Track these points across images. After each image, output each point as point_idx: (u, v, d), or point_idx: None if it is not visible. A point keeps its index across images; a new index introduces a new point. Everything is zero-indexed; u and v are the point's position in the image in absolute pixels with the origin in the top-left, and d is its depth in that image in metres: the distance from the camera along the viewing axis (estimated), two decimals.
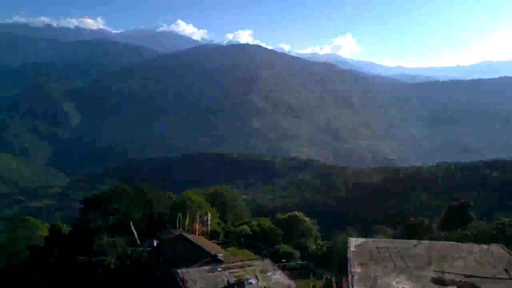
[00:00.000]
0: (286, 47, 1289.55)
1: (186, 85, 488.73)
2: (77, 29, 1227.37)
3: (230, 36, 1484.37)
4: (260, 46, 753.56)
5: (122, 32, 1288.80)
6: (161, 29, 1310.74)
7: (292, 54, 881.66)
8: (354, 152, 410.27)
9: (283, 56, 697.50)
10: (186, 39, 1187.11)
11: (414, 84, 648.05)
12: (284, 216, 69.30)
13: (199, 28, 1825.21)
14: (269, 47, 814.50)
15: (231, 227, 63.72)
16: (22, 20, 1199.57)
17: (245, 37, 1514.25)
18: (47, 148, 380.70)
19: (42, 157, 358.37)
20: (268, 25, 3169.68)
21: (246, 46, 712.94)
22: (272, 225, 62.90)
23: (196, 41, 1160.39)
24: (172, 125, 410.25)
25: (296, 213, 69.45)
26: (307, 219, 67.70)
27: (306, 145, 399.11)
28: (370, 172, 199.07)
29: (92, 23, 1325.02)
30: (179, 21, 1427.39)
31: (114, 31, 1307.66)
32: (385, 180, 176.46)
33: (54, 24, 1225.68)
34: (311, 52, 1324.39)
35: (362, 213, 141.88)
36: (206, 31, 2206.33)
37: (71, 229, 61.10)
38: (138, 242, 53.08)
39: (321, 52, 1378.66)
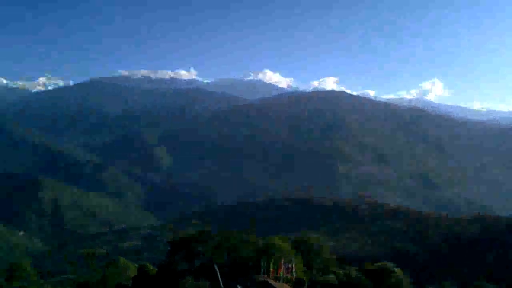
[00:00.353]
0: (371, 93, 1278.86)
1: (273, 131, 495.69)
2: (172, 80, 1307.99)
3: (315, 83, 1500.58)
4: (345, 92, 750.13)
5: (213, 82, 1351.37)
6: (249, 78, 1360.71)
7: (378, 99, 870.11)
8: (446, 199, 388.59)
9: (368, 101, 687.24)
10: (273, 87, 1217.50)
11: (509, 127, 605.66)
12: (373, 266, 65.81)
13: (285, 76, 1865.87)
14: (354, 93, 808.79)
15: (317, 276, 61.27)
16: (125, 73, 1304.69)
17: (330, 83, 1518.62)
18: (139, 190, 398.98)
19: (134, 198, 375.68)
20: (353, 71, 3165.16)
21: (331, 92, 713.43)
22: (360, 275, 59.73)
23: (283, 88, 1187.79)
24: (259, 170, 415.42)
25: (386, 263, 65.76)
26: (397, 270, 63.72)
27: (394, 191, 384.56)
28: (466, 220, 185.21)
29: (185, 74, 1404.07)
30: (266, 70, 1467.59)
31: (205, 81, 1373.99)
32: (483, 230, 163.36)
33: (152, 76, 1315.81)
34: (397, 97, 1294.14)
35: (458, 266, 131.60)
36: (292, 79, 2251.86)
37: (157, 270, 62.06)
38: (222, 286, 52.52)
39: (408, 97, 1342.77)
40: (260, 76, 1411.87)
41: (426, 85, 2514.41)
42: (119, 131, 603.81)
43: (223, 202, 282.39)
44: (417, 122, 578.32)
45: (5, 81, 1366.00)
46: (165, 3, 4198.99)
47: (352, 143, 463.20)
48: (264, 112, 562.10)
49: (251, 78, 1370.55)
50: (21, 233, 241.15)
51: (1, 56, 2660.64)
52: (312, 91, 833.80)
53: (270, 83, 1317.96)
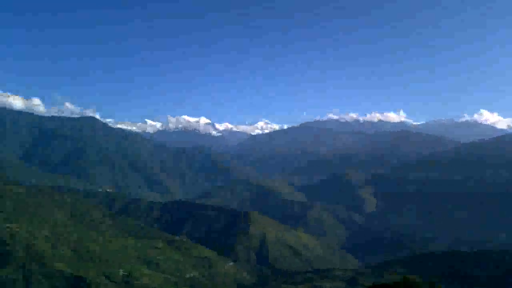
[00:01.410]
0: None
1: (489, 176, 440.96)
2: (380, 122, 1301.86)
3: None
4: None
5: (422, 124, 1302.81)
6: (463, 119, 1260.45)
7: None
8: None
9: None
10: (490, 128, 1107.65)
11: None
12: None
13: (504, 117, 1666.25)
14: None
15: None
16: (335, 116, 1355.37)
17: None
18: (342, 231, 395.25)
19: (337, 239, 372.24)
20: None
21: None
22: None
23: (502, 129, 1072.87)
24: (471, 217, 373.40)
25: None
26: None
27: None
28: None
29: (394, 116, 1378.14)
30: (482, 110, 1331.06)
31: (415, 123, 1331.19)
32: None
33: (361, 119, 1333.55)
34: None
35: None
36: None
37: None
38: None
39: None
40: (476, 116, 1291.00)
41: None
42: (327, 172, 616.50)
43: (429, 250, 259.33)
44: None
45: (229, 126, 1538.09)
46: (381, 48, 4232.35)
47: None
48: (478, 155, 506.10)
49: (465, 119, 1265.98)
50: (231, 263, 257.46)
51: (227, 104, 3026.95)
52: None
53: (487, 124, 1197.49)
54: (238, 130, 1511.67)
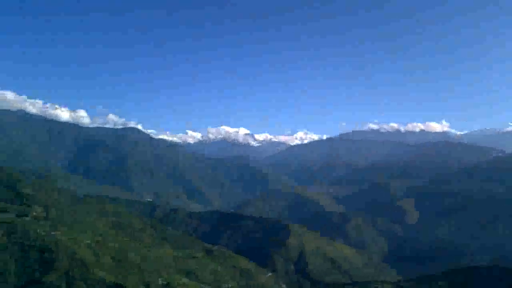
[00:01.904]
0: None
1: None
2: (422, 132, 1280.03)
3: None
4: None
5: (466, 133, 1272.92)
6: (508, 128, 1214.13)
7: None
8: None
9: None
10: None
11: None
12: None
13: None
14: None
15: None
16: (374, 126, 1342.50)
17: None
18: (383, 243, 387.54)
19: (377, 251, 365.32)
20: None
21: None
22: None
23: None
24: None
25: None
26: None
27: None
28: None
29: (436, 126, 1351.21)
30: None
31: (458, 133, 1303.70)
32: None
33: (402, 129, 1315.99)
34: None
35: None
36: None
37: None
38: None
39: None
40: None
41: None
42: (366, 183, 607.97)
43: (472, 263, 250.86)
44: None
45: (269, 136, 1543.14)
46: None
47: None
48: None
49: (511, 128, 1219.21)
50: (269, 274, 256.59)
51: (266, 115, 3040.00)
52: None
53: None
54: (277, 141, 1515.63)
